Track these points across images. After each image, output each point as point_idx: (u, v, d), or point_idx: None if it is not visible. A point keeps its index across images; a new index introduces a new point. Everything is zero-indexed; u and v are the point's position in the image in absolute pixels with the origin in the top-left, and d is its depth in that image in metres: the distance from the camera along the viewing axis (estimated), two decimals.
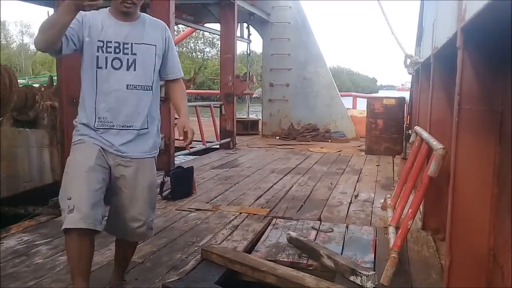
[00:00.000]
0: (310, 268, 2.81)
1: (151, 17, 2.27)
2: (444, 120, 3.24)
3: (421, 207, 3.32)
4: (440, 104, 3.34)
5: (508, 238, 1.81)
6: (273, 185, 5.22)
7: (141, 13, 2.21)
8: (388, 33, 6.18)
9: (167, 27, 2.29)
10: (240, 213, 4.00)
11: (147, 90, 2.17)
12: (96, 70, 2.08)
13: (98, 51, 2.06)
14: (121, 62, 2.09)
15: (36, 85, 4.94)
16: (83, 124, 2.14)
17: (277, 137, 10.20)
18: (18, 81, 4.62)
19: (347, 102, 11.66)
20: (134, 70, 2.12)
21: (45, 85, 4.81)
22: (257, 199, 4.57)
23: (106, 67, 2.07)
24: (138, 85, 2.13)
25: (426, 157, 3.09)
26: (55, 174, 4.28)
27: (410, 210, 2.79)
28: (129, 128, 2.14)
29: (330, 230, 3.53)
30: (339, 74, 64.22)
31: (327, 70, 10.69)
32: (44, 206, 3.87)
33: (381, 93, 43.07)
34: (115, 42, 2.07)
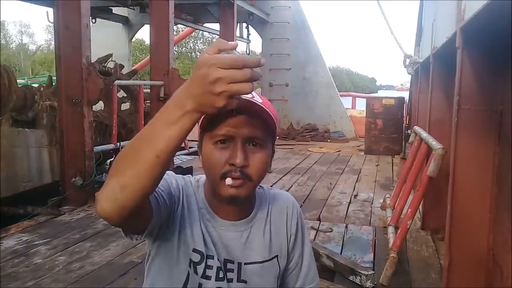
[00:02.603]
0: None
1: (275, 192, 1.19)
2: (443, 120, 3.24)
3: (420, 207, 3.32)
4: (439, 104, 3.35)
5: (507, 238, 1.81)
6: (272, 185, 5.21)
7: (260, 188, 1.11)
8: (387, 33, 6.18)
9: (295, 203, 1.22)
10: None
11: None
12: None
13: (190, 266, 1.02)
14: None
15: (35, 85, 4.94)
16: None
17: (276, 137, 10.19)
18: (17, 81, 4.63)
19: (346, 102, 11.64)
20: None
21: (44, 85, 4.82)
22: None
23: None
24: None
25: (425, 157, 3.09)
26: (54, 174, 4.28)
27: (409, 210, 2.79)
28: None
29: (330, 230, 3.53)
30: (339, 74, 64.20)
31: (326, 70, 10.70)
32: (43, 206, 3.87)
33: (380, 93, 43.07)
34: (217, 259, 1.03)
